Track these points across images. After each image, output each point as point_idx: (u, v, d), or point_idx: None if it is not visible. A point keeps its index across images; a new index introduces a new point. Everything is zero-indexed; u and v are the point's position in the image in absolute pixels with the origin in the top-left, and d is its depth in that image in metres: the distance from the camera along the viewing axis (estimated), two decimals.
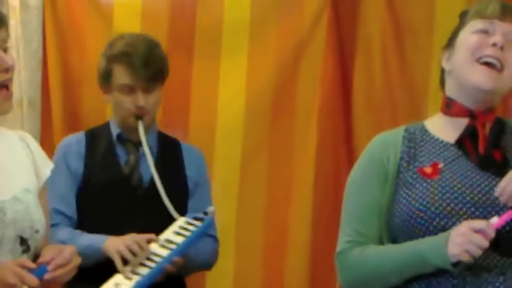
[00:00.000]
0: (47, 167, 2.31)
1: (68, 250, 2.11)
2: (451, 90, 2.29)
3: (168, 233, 2.85)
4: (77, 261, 2.13)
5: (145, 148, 3.00)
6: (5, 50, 2.12)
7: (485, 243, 2.03)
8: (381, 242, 2.23)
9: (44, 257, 2.08)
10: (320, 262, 3.44)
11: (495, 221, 2.05)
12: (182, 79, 3.55)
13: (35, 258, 2.14)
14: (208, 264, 3.08)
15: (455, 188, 2.16)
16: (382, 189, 2.24)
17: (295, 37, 3.55)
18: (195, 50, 3.58)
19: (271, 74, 3.56)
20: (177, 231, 2.85)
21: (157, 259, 2.76)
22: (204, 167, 3.17)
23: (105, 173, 3.03)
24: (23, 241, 2.13)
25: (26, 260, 2.08)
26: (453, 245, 2.05)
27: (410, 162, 2.25)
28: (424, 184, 2.19)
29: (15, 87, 3.40)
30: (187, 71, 3.57)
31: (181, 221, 2.88)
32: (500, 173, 2.15)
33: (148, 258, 2.78)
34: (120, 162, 3.06)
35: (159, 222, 2.90)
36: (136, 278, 2.69)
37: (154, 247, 2.80)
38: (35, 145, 2.30)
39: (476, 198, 2.15)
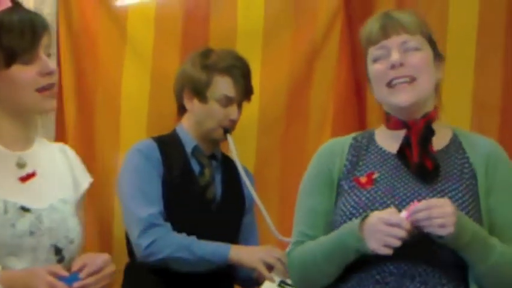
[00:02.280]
0: (85, 179, 2.33)
1: (101, 258, 2.10)
2: (386, 109, 2.35)
3: None
4: (111, 269, 2.11)
5: (238, 164, 3.08)
6: (48, 56, 2.17)
7: (403, 234, 2.08)
8: None
9: (76, 265, 2.08)
10: None
11: (404, 214, 2.10)
12: None
13: (68, 269, 2.13)
14: None
15: (385, 199, 2.22)
16: (326, 195, 2.31)
17: (308, 43, 3.56)
18: None
19: (284, 80, 3.58)
20: None
21: None
22: (254, 186, 3.21)
23: (181, 184, 3.06)
24: (57, 251, 2.15)
25: (58, 267, 2.08)
26: (372, 240, 2.11)
27: (350, 171, 2.32)
28: (358, 193, 2.26)
29: None
30: None
31: (272, 286, 2.95)
32: (432, 181, 2.22)
33: None
34: (196, 174, 3.09)
35: (227, 238, 3.01)
36: None
37: None
38: (74, 157, 2.33)
39: (403, 207, 2.17)
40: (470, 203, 2.22)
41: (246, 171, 3.20)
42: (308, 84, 3.56)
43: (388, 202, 2.21)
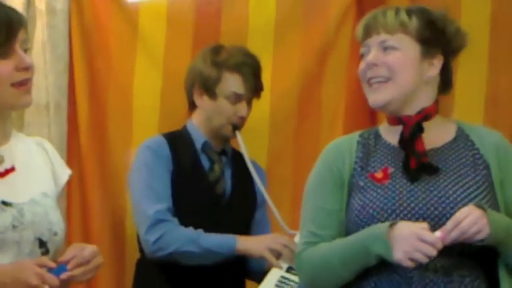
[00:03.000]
0: (64, 172, 2.32)
1: (88, 249, 2.10)
2: None
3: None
4: (98, 261, 2.11)
5: (247, 160, 3.07)
6: (25, 51, 2.15)
7: (434, 253, 2.10)
8: None
9: (64, 256, 2.08)
10: None
11: (439, 234, 2.11)
12: None
13: (54, 261, 2.14)
14: None
15: (405, 192, 2.22)
16: (336, 194, 2.30)
17: (320, 40, 3.55)
18: None
19: (296, 77, 3.57)
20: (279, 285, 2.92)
21: None
22: (266, 182, 3.23)
23: (191, 180, 3.07)
24: (42, 243, 2.14)
25: (46, 259, 2.09)
26: (399, 250, 2.11)
27: (363, 167, 2.31)
28: (375, 189, 2.25)
29: (42, 92, 3.47)
30: None
31: (280, 272, 2.94)
32: (416, 180, 2.23)
33: None
34: (205, 170, 3.10)
35: (238, 233, 3.01)
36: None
37: None
38: (52, 151, 2.32)
39: (424, 202, 2.20)
40: (488, 192, 2.24)
41: (257, 167, 3.20)
42: (320, 81, 3.56)
43: (408, 196, 2.21)
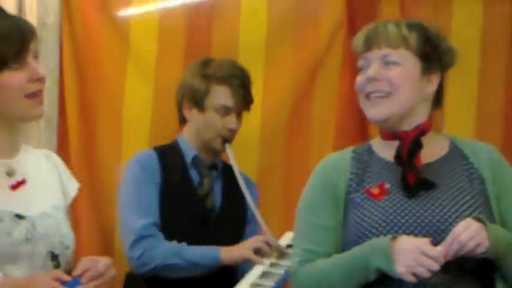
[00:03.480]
0: (73, 185, 2.33)
1: (102, 262, 2.09)
2: None
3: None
4: (112, 273, 2.11)
5: (237, 173, 3.06)
6: (37, 62, 2.15)
7: (436, 267, 2.09)
8: None
9: (78, 269, 2.08)
10: None
11: (441, 249, 2.10)
12: None
13: (66, 274, 2.13)
14: None
15: (403, 208, 2.22)
16: (332, 210, 2.29)
17: (311, 56, 3.57)
18: None
19: (287, 93, 3.58)
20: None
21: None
22: (257, 196, 3.22)
23: (180, 194, 3.06)
24: (53, 257, 2.14)
25: (60, 272, 2.08)
26: (401, 263, 2.10)
27: (358, 183, 2.30)
28: (372, 205, 2.24)
29: None
30: None
31: (263, 268, 2.93)
32: (414, 195, 2.22)
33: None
34: (194, 184, 3.08)
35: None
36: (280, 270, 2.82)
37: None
38: (61, 164, 2.33)
39: (422, 218, 2.20)
40: (485, 206, 2.24)
41: (248, 180, 3.19)
42: (310, 96, 3.56)
43: (407, 211, 2.21)
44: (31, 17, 3.51)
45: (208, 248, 2.98)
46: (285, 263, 2.85)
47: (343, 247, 2.26)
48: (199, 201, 3.08)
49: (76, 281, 2.06)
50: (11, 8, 3.51)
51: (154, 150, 3.14)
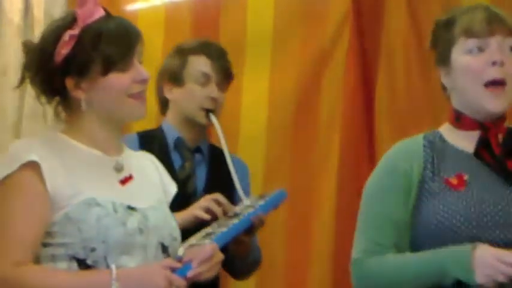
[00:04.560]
0: (172, 186, 2.39)
1: (209, 247, 2.17)
2: (458, 105, 2.30)
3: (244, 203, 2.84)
4: (220, 257, 2.17)
5: (225, 149, 2.98)
6: (140, 63, 2.22)
7: None
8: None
9: (187, 256, 2.13)
10: (344, 273, 3.40)
11: None
12: None
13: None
14: (259, 261, 3.07)
15: (484, 199, 2.16)
16: (402, 200, 2.23)
17: (317, 48, 3.55)
18: None
19: (293, 85, 3.57)
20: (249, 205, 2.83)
21: (243, 212, 2.75)
22: (248, 180, 3.17)
23: None
24: (164, 248, 2.18)
25: (171, 260, 2.13)
26: (481, 274, 2.07)
27: (434, 171, 2.24)
28: (452, 195, 2.19)
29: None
30: None
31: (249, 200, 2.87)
32: None
33: (235, 214, 2.77)
34: (175, 168, 3.04)
35: None
36: (228, 225, 2.67)
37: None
38: (160, 165, 2.40)
39: (504, 210, 2.15)
40: None
41: (238, 161, 3.13)
42: (317, 89, 3.55)
43: (488, 203, 2.16)
44: (37, 9, 3.52)
45: None
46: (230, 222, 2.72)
47: (414, 238, 2.21)
48: (179, 186, 3.04)
49: (187, 266, 2.10)
50: (17, 1, 3.52)
51: (137, 135, 3.10)
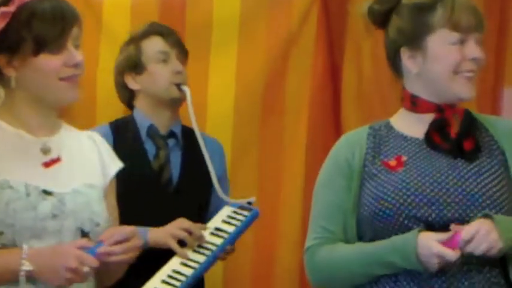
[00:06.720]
0: (114, 165, 2.36)
1: (127, 229, 2.14)
2: (417, 90, 2.35)
3: (217, 222, 2.85)
4: (137, 242, 2.14)
5: (197, 131, 2.96)
6: (77, 47, 2.19)
7: (454, 259, 2.13)
8: (346, 239, 2.30)
9: (103, 236, 2.12)
10: None
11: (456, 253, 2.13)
12: None
13: None
14: None
15: (419, 178, 2.24)
16: (347, 187, 2.32)
17: (284, 32, 3.56)
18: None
19: (261, 70, 3.57)
20: (225, 220, 2.85)
21: (210, 247, 2.77)
22: (224, 159, 3.18)
23: (133, 169, 2.95)
24: (83, 234, 2.16)
25: (85, 240, 2.11)
26: (426, 266, 2.15)
27: (375, 156, 2.33)
28: (389, 175, 2.27)
29: None
30: None
31: (227, 210, 2.89)
32: (471, 159, 2.25)
33: (201, 246, 2.79)
34: (148, 156, 3.03)
35: (190, 219, 2.90)
36: (194, 265, 2.70)
37: (205, 235, 2.81)
38: (103, 143, 2.37)
39: (444, 189, 2.22)
40: (504, 178, 2.26)
41: (214, 142, 3.15)
42: (284, 74, 3.56)
43: (420, 184, 2.23)
44: None
45: (139, 229, 2.91)
46: (199, 258, 2.76)
47: (360, 221, 2.29)
48: (154, 175, 3.03)
49: (99, 245, 2.08)
50: None
51: (109, 125, 3.10)
